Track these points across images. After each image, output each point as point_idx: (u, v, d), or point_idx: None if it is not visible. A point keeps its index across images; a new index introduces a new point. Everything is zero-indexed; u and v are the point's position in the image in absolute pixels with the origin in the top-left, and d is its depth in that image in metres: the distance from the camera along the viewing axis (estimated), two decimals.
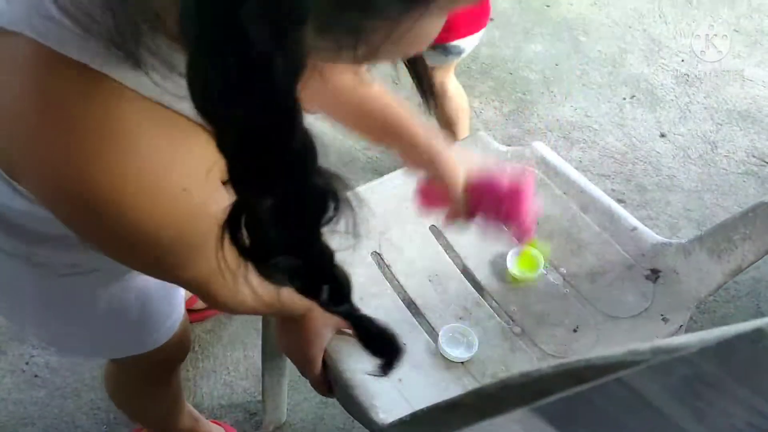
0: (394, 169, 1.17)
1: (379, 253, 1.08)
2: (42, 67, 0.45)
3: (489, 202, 0.86)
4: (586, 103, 2.26)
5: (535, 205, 0.88)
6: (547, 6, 2.64)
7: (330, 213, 0.43)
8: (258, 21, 0.33)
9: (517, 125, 2.19)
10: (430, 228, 1.12)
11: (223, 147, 0.38)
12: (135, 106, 0.47)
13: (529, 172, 1.02)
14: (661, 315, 1.02)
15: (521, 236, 0.90)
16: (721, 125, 2.24)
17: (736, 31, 2.56)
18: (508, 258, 1.07)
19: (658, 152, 2.15)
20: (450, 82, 1.74)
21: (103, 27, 0.45)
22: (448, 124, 1.80)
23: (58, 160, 0.46)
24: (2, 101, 0.47)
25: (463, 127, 1.83)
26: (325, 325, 0.92)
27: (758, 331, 0.32)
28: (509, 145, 1.23)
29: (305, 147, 0.39)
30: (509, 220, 0.87)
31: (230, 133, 0.37)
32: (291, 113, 0.37)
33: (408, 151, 0.88)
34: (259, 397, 1.49)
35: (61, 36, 0.44)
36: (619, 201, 1.94)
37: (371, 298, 1.02)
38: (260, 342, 1.26)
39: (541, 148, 1.21)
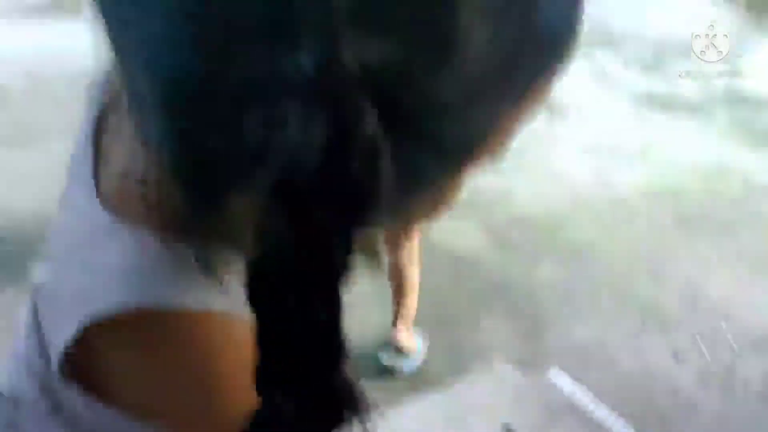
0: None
1: None
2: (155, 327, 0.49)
3: None
4: (599, 327, 2.29)
5: None
6: (556, 229, 2.76)
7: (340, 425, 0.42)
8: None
9: (531, 348, 2.20)
10: None
11: (263, 340, 0.39)
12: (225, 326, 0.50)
13: None
14: None
15: None
16: (735, 351, 2.25)
17: (740, 260, 2.65)
18: None
19: (675, 378, 2.13)
20: (405, 259, 1.98)
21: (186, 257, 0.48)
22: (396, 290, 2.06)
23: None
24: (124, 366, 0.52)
25: (407, 302, 2.04)
26: None
27: None
28: (524, 370, 1.25)
29: (341, 345, 0.40)
30: None
31: (275, 327, 0.39)
32: (338, 306, 0.39)
33: None
34: None
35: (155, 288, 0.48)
36: (638, 430, 1.90)
37: None
38: None
39: (557, 377, 1.23)
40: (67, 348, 0.51)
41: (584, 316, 2.34)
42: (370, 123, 0.37)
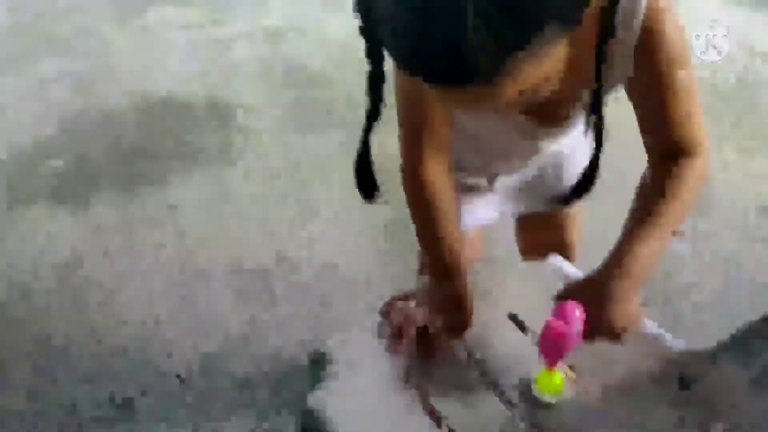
0: None
1: (409, 377, 1.09)
2: None
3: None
4: (601, 208, 2.30)
5: (571, 341, 0.95)
6: None
7: None
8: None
9: None
10: (459, 349, 1.13)
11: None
12: None
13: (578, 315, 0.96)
14: (698, 425, 1.01)
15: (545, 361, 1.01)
16: (738, 224, 2.27)
17: (739, 129, 2.63)
18: (533, 380, 1.07)
19: (680, 255, 2.17)
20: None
21: None
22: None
23: None
24: None
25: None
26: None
27: None
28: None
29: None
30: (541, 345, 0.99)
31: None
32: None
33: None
34: None
35: None
36: (643, 306, 1.94)
37: (405, 422, 1.03)
38: None
39: (559, 261, 1.25)
40: None
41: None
42: None
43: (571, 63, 0.78)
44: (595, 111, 0.89)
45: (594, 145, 0.95)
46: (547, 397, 1.05)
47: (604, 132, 0.92)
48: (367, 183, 0.97)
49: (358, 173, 0.97)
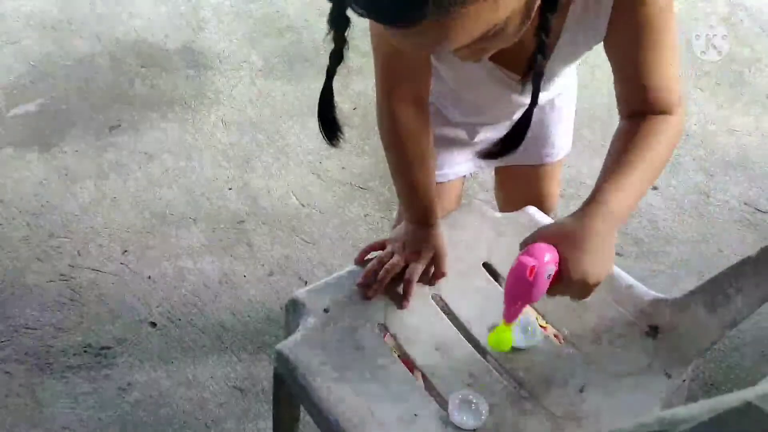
0: None
1: (384, 324, 1.10)
2: None
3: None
4: (578, 159, 2.31)
5: (536, 293, 0.91)
6: None
7: None
8: None
9: None
10: (432, 297, 1.14)
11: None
12: None
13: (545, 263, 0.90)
14: (664, 370, 1.03)
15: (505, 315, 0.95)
16: (712, 175, 2.29)
17: (718, 84, 2.63)
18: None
19: (652, 205, 2.18)
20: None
21: None
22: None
23: None
24: None
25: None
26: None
27: (747, 404, 0.34)
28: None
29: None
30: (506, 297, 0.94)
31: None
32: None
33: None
34: None
35: None
36: (618, 255, 1.96)
37: (379, 369, 1.03)
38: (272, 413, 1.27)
39: (535, 212, 1.25)
40: None
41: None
42: None
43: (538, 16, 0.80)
44: (536, 65, 0.88)
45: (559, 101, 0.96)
46: (495, 353, 1.05)
47: (543, 85, 0.92)
48: (330, 127, 0.94)
49: (321, 117, 0.93)
